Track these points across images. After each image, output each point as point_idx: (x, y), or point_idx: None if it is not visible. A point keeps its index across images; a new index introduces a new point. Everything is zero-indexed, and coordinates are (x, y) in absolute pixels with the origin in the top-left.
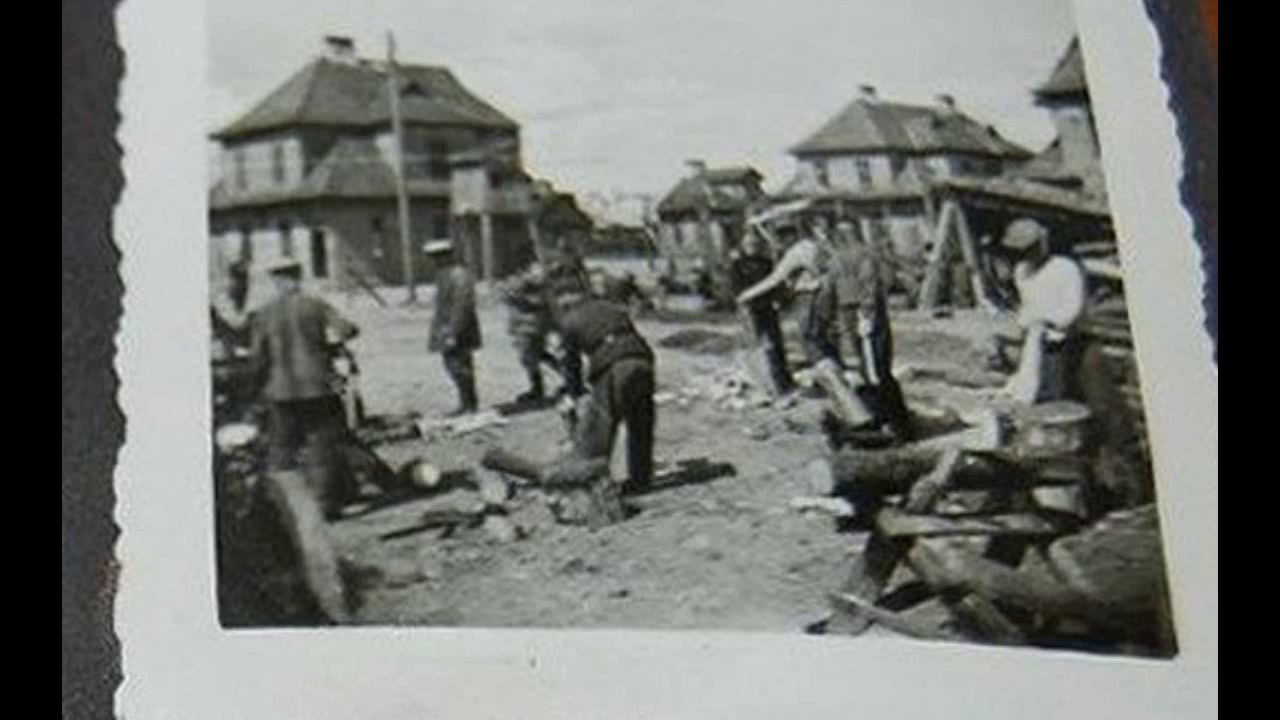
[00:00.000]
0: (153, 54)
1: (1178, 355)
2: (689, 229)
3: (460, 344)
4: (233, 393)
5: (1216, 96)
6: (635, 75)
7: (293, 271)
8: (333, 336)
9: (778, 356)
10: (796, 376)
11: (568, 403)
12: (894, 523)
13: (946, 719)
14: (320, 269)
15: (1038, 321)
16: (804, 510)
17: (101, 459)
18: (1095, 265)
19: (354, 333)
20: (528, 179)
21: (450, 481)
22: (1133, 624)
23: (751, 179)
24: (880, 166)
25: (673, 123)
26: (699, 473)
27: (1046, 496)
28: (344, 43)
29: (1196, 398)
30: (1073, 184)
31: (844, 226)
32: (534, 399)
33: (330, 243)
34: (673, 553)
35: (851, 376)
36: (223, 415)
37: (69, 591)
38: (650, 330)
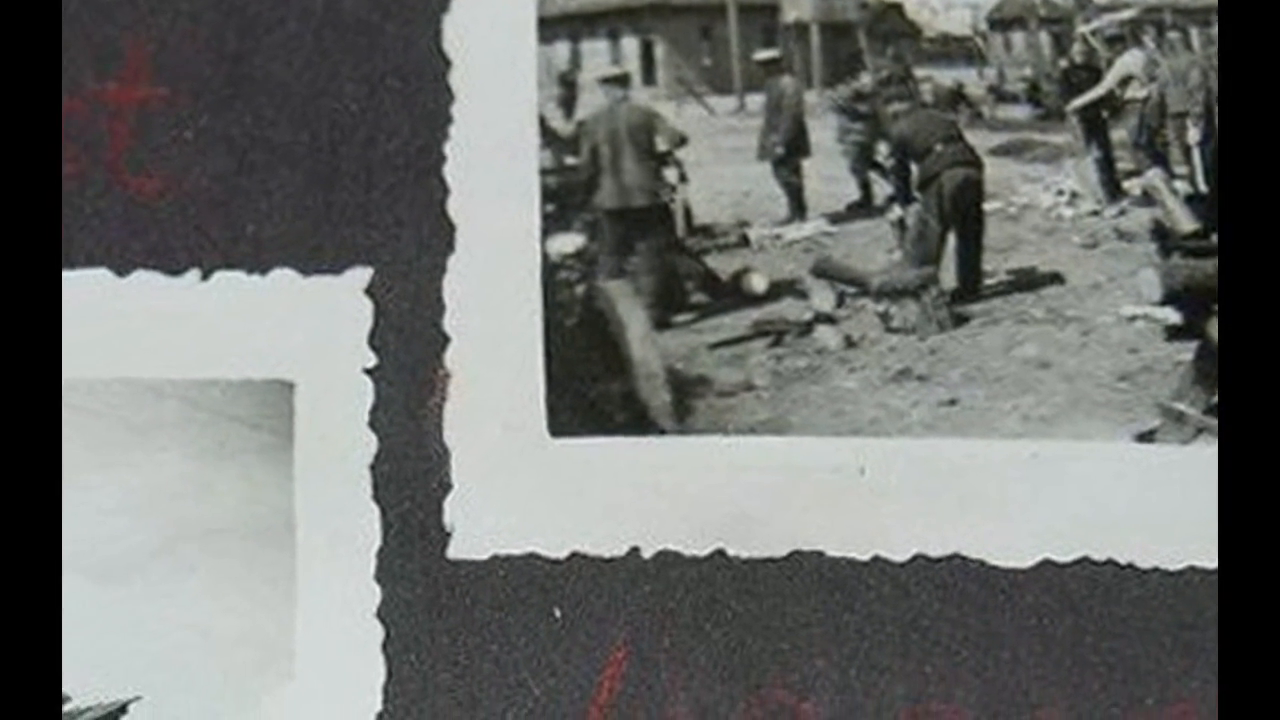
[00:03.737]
0: None
1: None
2: (1018, 37)
3: (789, 152)
4: (562, 201)
5: None
6: None
7: (622, 80)
8: (661, 145)
9: (1106, 165)
10: (1125, 185)
11: (896, 211)
12: None
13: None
14: (649, 78)
15: None
16: (1133, 319)
17: (430, 267)
18: None
19: (683, 141)
20: None
21: (779, 290)
22: None
23: None
24: None
25: None
26: (1028, 281)
27: None
28: None
29: None
30: None
31: (1173, 35)
32: (863, 207)
33: (659, 51)
34: (1001, 361)
35: (1180, 185)
36: (552, 224)
37: (397, 400)
38: (979, 139)
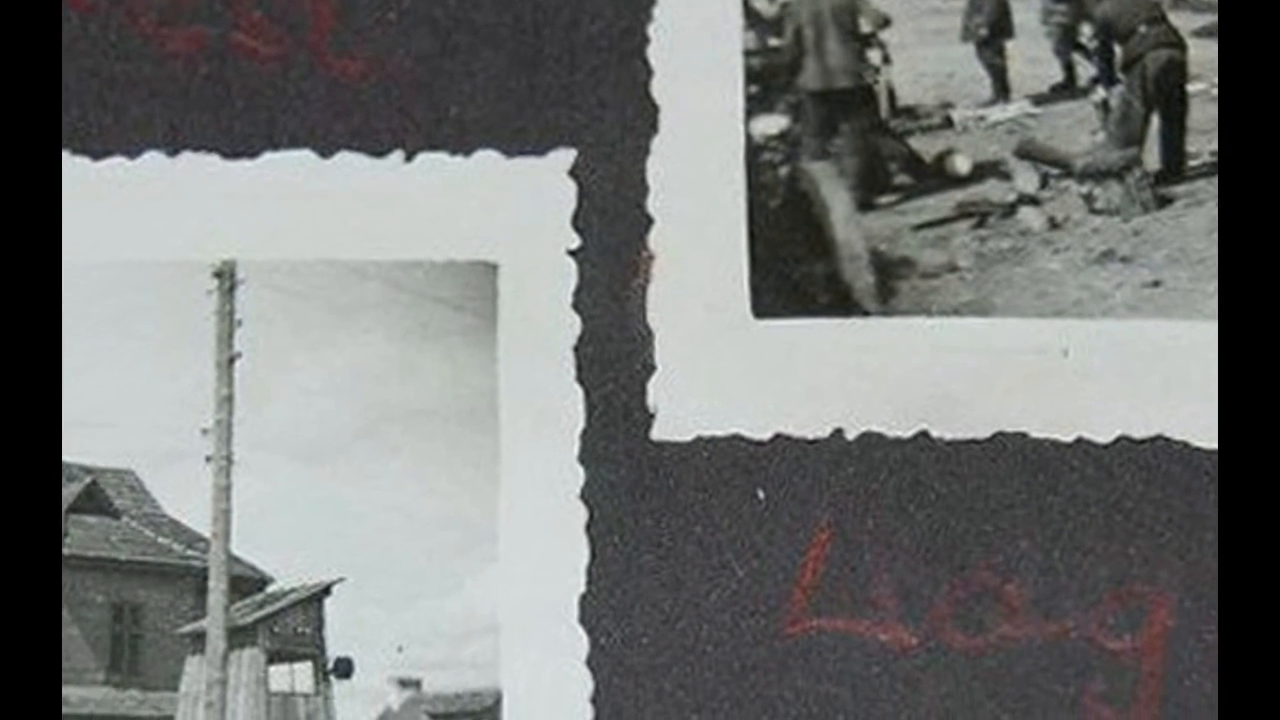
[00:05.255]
0: None
1: None
2: None
3: (993, 34)
4: (765, 83)
5: None
6: None
7: None
8: (865, 26)
9: None
10: None
11: (1100, 93)
12: None
13: None
14: None
15: None
16: None
17: (634, 149)
18: None
19: (886, 23)
20: None
21: (983, 171)
22: None
23: None
24: None
25: None
26: None
27: None
28: None
29: None
30: None
31: None
32: (1066, 89)
33: None
34: (1205, 243)
35: None
36: (755, 105)
37: (601, 282)
38: (1183, 20)
